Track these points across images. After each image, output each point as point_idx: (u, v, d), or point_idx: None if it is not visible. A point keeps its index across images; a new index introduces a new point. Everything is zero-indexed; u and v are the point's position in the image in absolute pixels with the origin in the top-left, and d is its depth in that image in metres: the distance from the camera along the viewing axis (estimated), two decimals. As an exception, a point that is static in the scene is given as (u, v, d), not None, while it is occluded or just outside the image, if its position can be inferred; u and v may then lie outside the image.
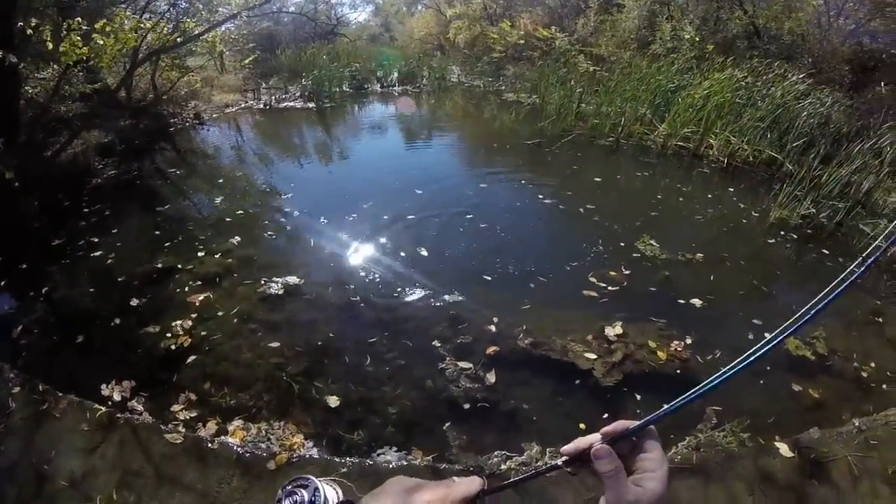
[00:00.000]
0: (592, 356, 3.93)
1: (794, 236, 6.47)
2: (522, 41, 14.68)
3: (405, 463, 2.96)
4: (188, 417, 3.27)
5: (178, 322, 4.05)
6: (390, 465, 2.94)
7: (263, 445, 3.02)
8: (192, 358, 3.76)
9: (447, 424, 3.33)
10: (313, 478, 0.90)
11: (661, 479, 0.74)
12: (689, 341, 4.37)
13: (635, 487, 0.72)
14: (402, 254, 5.25)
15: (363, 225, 5.72)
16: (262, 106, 11.06)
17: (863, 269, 0.96)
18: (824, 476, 3.34)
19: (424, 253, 5.30)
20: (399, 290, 4.65)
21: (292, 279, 4.63)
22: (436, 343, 4.02)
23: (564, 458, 0.78)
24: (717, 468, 3.26)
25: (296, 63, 12.60)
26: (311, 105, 10.80)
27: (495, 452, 3.12)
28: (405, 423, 3.31)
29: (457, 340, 4.06)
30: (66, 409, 3.23)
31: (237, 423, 3.21)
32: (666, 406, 0.79)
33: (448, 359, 3.86)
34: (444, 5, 21.85)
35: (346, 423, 3.27)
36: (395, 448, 3.11)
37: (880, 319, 5.19)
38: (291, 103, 11.12)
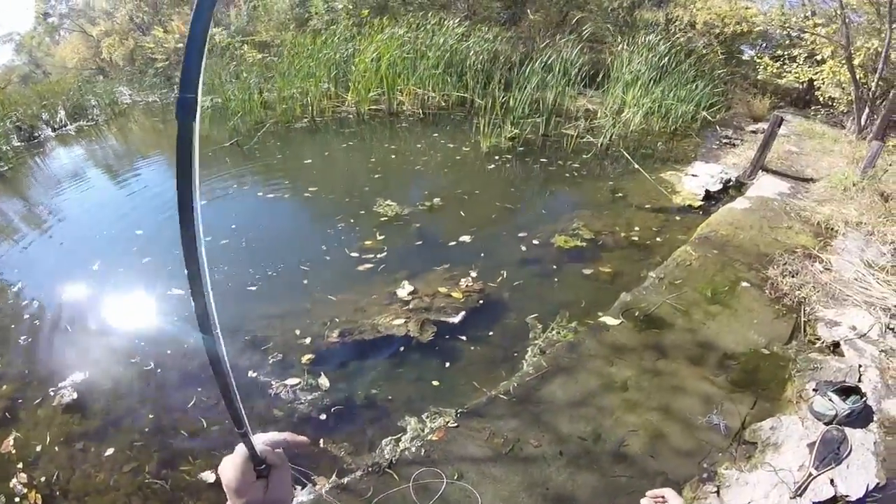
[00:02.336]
0: (401, 321, 4.04)
1: (509, 156, 7.14)
2: (181, 44, 13.65)
3: (313, 496, 2.78)
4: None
5: (12, 482, 3.16)
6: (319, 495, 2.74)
7: None
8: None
9: (321, 441, 3.17)
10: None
11: None
12: (473, 274, 4.52)
13: None
14: (164, 305, 4.62)
15: (104, 289, 4.88)
16: None
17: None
18: (657, 323, 3.77)
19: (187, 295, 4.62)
20: (188, 343, 4.15)
21: (78, 376, 3.88)
22: (252, 374, 3.71)
23: None
24: (569, 359, 3.46)
25: None
26: None
27: (384, 442, 3.07)
28: (290, 457, 3.03)
29: (270, 362, 3.85)
30: None
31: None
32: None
33: (274, 382, 3.62)
34: (87, 25, 19.16)
35: None
36: (299, 487, 2.89)
37: (620, 194, 6.06)
38: None
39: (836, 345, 3.66)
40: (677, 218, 5.62)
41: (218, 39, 12.39)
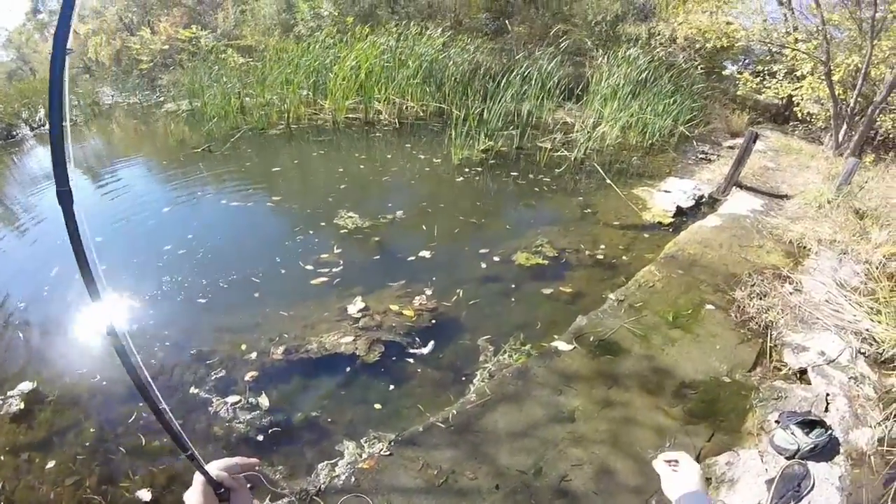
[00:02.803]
0: (349, 339, 3.87)
1: (480, 169, 6.99)
2: (167, 46, 13.56)
3: None
4: None
5: None
6: None
7: None
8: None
9: (257, 462, 3.01)
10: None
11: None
12: (429, 292, 4.37)
13: None
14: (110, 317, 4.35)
15: (61, 294, 4.69)
16: None
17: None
18: (613, 349, 3.59)
19: (142, 306, 4.53)
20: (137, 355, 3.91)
21: (26, 385, 3.73)
22: (193, 390, 3.56)
23: None
24: (515, 386, 3.28)
25: None
26: None
27: (319, 466, 2.93)
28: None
29: (212, 378, 3.68)
30: None
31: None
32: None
33: (215, 400, 3.49)
34: (76, 23, 18.86)
35: None
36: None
37: (589, 210, 5.92)
38: None
39: (803, 372, 3.48)
40: (646, 235, 5.48)
41: (203, 43, 12.26)
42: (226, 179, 6.84)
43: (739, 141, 8.04)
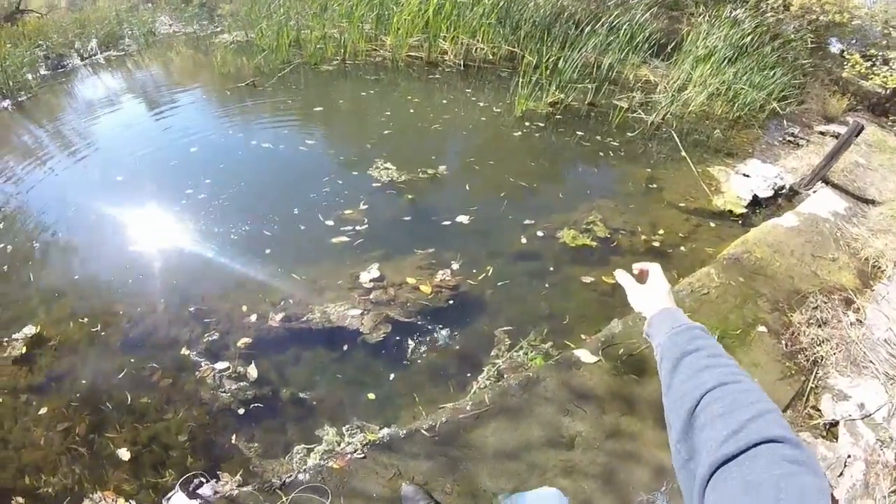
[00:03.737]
0: (356, 312, 3.56)
1: (543, 124, 6.34)
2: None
3: (218, 491, 2.68)
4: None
5: None
6: (210, 498, 2.63)
7: None
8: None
9: (233, 437, 2.98)
10: None
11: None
12: (455, 266, 3.96)
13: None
14: (135, 260, 4.32)
15: (82, 236, 4.67)
16: None
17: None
18: (640, 368, 3.08)
19: (152, 254, 4.35)
20: (134, 309, 3.80)
21: (29, 329, 3.74)
22: (185, 351, 3.46)
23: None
24: (518, 398, 2.87)
25: None
26: (7, 103, 8.65)
27: (295, 449, 2.84)
28: (202, 448, 2.98)
29: (205, 340, 3.51)
30: None
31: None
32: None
33: (204, 364, 3.35)
34: None
35: (151, 468, 2.90)
36: (204, 479, 2.78)
37: (655, 185, 5.30)
38: None
39: (835, 424, 2.95)
40: (712, 224, 4.81)
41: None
42: (262, 118, 6.54)
43: (833, 127, 7.07)
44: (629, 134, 6.29)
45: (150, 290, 4.00)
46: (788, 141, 6.70)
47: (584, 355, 3.12)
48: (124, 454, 3.01)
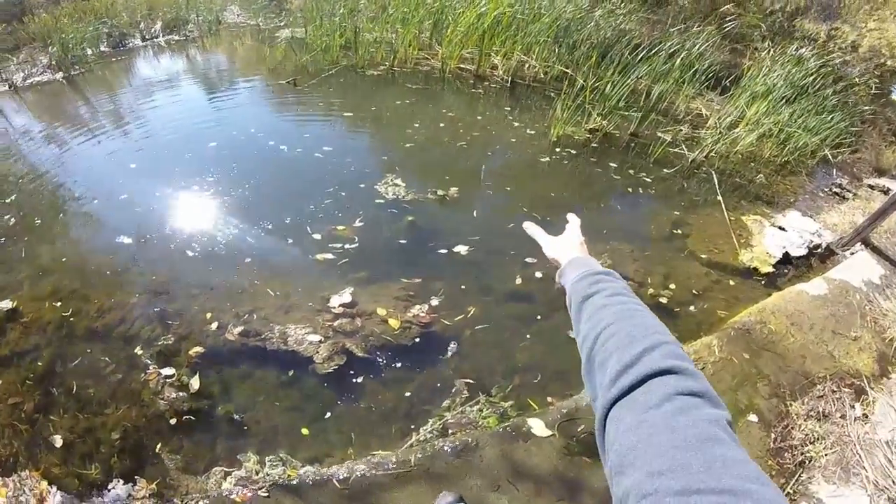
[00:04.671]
0: (316, 338, 3.42)
1: (575, 151, 5.98)
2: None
3: (133, 494, 2.76)
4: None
5: None
6: (122, 501, 2.72)
7: (23, 499, 2.78)
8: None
9: (158, 445, 2.98)
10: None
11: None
12: (434, 302, 3.73)
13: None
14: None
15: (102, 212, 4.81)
16: (6, 88, 9.10)
17: None
18: (597, 451, 2.79)
19: (136, 247, 4.34)
20: (106, 299, 3.89)
21: (6, 304, 3.91)
22: (139, 350, 3.47)
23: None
24: (447, 464, 2.62)
25: (49, 29, 10.59)
26: (60, 76, 9.07)
27: (214, 470, 2.82)
28: (130, 449, 3.00)
29: (160, 343, 3.52)
30: None
31: (-1, 481, 2.89)
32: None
33: (152, 367, 3.36)
34: None
35: (80, 458, 2.96)
36: (121, 481, 2.84)
37: (680, 231, 4.89)
38: (38, 78, 9.28)
39: None
40: (731, 283, 4.35)
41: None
42: (291, 118, 6.51)
43: (884, 181, 6.38)
44: (666, 170, 5.87)
45: (128, 281, 4.06)
46: (834, 192, 6.07)
47: (538, 427, 2.82)
48: (58, 440, 3.06)
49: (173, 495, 2.72)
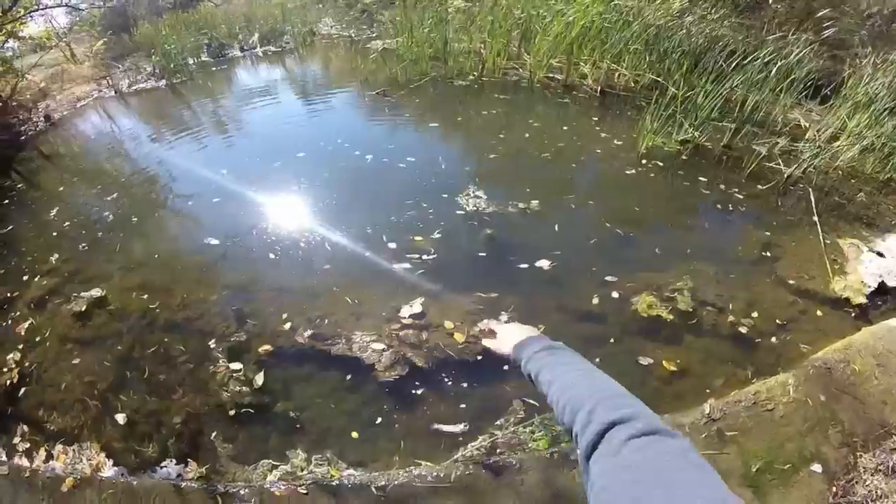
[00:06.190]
0: (380, 346, 3.38)
1: (663, 164, 5.67)
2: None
3: (182, 475, 2.95)
4: (24, 449, 3.28)
5: (10, 356, 3.91)
6: (171, 479, 2.92)
7: (79, 467, 3.07)
8: (23, 390, 3.66)
9: (214, 433, 3.17)
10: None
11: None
12: (504, 318, 3.57)
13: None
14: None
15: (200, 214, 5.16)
16: (113, 93, 9.84)
17: None
18: None
19: (226, 249, 4.64)
20: (190, 295, 4.13)
21: (96, 291, 4.27)
22: (212, 343, 3.69)
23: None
24: (487, 484, 2.54)
25: (152, 39, 11.41)
26: (163, 83, 9.68)
27: (262, 462, 2.95)
28: (188, 434, 3.19)
29: (233, 339, 3.69)
30: None
31: (59, 447, 3.22)
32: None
33: (222, 360, 3.56)
34: None
35: (140, 437, 3.20)
36: (174, 461, 3.05)
37: (769, 254, 4.49)
38: (142, 84, 9.96)
39: None
40: (819, 313, 3.90)
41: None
42: (379, 128, 6.60)
43: None
44: (760, 186, 5.44)
45: (211, 280, 4.29)
46: None
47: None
48: (122, 418, 3.33)
49: (219, 480, 2.85)
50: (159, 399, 3.41)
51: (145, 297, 4.17)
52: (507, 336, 1.38)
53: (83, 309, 4.14)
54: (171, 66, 9.61)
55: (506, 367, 3.27)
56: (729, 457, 2.75)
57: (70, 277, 4.53)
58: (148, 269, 4.46)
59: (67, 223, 5.30)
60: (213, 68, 10.19)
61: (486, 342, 1.46)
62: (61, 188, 6.09)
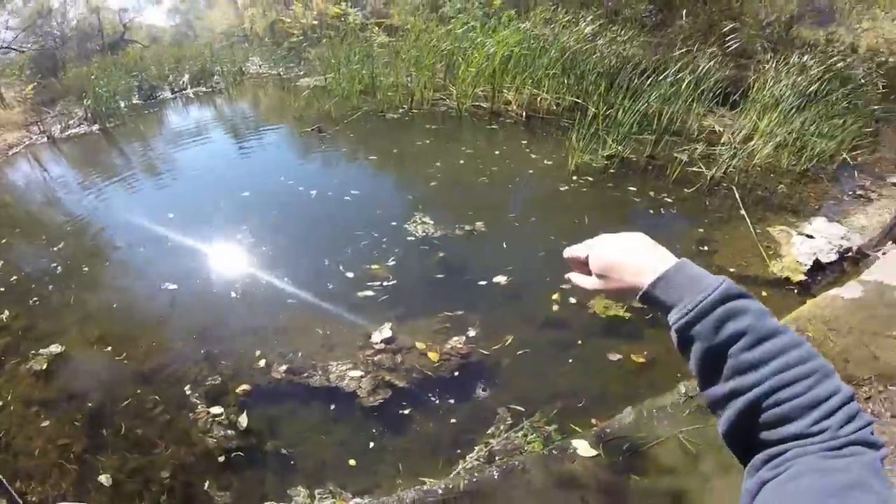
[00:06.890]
0: (357, 373, 3.47)
1: (593, 179, 6.02)
2: (317, 21, 13.89)
3: None
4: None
5: None
6: None
7: None
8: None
9: (207, 483, 2.99)
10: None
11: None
12: (472, 333, 3.72)
13: None
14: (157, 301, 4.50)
15: (141, 260, 5.04)
16: (45, 139, 9.46)
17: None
18: (647, 467, 2.69)
19: (183, 292, 4.55)
20: (155, 342, 4.03)
21: (55, 348, 4.05)
22: (188, 390, 3.55)
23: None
24: (495, 489, 2.58)
25: (83, 82, 11.09)
26: (96, 127, 9.42)
27: None
28: (179, 488, 3.02)
29: (209, 382, 3.59)
30: None
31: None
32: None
33: (200, 406, 3.42)
34: None
35: (128, 498, 3.00)
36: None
37: (706, 248, 4.86)
38: (75, 130, 9.64)
39: None
40: (764, 294, 4.26)
41: (352, 20, 12.32)
42: (318, 164, 6.72)
43: None
44: (686, 190, 5.86)
45: (175, 325, 4.19)
46: (858, 195, 5.96)
47: (583, 447, 2.77)
48: (106, 480, 3.09)
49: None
50: (141, 455, 3.24)
51: (108, 349, 3.99)
52: (620, 258, 0.85)
53: (43, 367, 3.90)
54: (103, 109, 9.36)
55: (491, 375, 3.42)
56: (713, 429, 2.99)
57: (24, 335, 4.26)
58: (106, 320, 4.27)
59: (14, 277, 5.03)
60: (146, 111, 10.03)
61: (578, 280, 0.97)
62: (3, 240, 5.82)
